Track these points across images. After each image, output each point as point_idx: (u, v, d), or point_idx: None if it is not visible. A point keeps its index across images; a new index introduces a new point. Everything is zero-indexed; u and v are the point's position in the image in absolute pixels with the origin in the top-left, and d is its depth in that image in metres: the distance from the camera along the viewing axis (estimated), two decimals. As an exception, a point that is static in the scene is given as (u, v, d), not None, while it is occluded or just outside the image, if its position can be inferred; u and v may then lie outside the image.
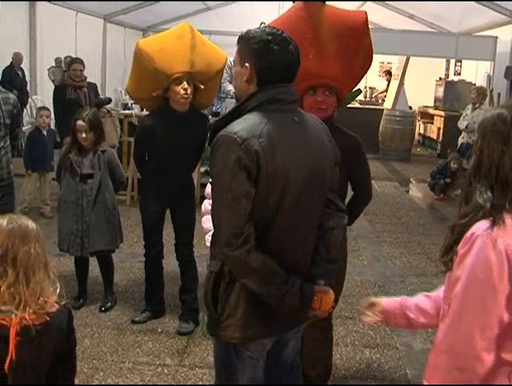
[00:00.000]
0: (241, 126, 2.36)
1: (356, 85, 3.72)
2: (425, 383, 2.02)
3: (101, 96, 8.35)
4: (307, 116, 2.61)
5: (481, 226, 1.93)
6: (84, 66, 8.10)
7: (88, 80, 8.45)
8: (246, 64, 2.48)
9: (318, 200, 2.56)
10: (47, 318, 2.33)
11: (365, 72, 3.73)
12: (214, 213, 2.42)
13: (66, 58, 12.63)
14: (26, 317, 2.27)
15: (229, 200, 2.32)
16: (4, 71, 12.08)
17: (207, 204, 4.50)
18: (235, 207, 2.31)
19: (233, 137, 2.32)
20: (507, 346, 1.90)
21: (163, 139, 4.62)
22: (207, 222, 4.41)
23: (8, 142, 4.69)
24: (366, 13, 3.59)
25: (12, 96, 4.73)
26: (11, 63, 12.25)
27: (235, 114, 2.47)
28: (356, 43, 3.48)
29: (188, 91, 4.45)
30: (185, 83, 4.42)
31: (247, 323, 2.49)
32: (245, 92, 2.51)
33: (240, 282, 2.44)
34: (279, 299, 2.41)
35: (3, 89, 4.80)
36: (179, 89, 4.43)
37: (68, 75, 8.10)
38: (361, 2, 16.98)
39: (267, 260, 2.38)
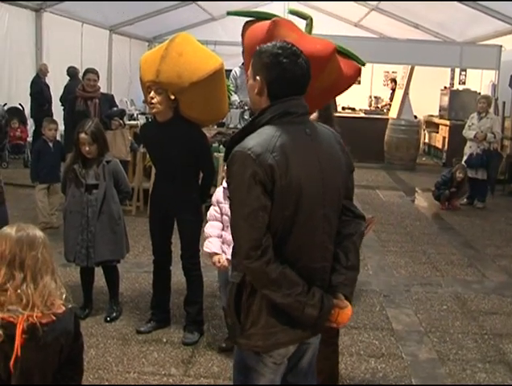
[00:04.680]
0: (255, 141, 2.43)
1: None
2: None
3: (114, 108, 8.27)
4: (319, 127, 2.67)
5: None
6: (98, 76, 8.05)
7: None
8: (257, 77, 2.56)
9: (334, 209, 2.61)
10: (54, 318, 2.41)
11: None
12: (233, 227, 2.48)
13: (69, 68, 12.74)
14: (33, 315, 2.34)
15: (247, 214, 2.39)
16: (33, 82, 12.19)
17: (212, 210, 4.56)
18: (252, 220, 2.38)
19: (247, 152, 2.39)
20: None
21: (152, 148, 4.86)
22: (209, 228, 4.51)
23: None
24: (334, 47, 3.58)
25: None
26: (37, 74, 12.38)
27: (250, 129, 2.54)
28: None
29: (154, 100, 4.46)
30: (153, 92, 4.46)
31: (270, 331, 2.54)
32: (257, 105, 2.59)
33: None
34: (299, 310, 2.46)
35: None
36: (148, 98, 4.50)
37: (81, 85, 8.06)
38: (367, 11, 17.03)
39: (287, 270, 2.43)
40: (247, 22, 3.71)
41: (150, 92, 4.46)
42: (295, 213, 2.44)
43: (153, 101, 4.46)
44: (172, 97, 4.45)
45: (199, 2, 16.72)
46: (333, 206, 2.60)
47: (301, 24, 3.78)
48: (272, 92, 2.54)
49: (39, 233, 2.50)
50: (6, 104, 11.13)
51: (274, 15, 3.59)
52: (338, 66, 3.61)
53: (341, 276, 2.63)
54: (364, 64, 3.95)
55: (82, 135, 4.86)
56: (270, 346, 2.57)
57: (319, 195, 2.50)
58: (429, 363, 4.66)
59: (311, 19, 3.85)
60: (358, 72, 3.85)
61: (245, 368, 2.70)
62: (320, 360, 3.25)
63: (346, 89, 3.98)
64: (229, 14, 4.13)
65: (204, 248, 4.44)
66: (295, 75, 2.52)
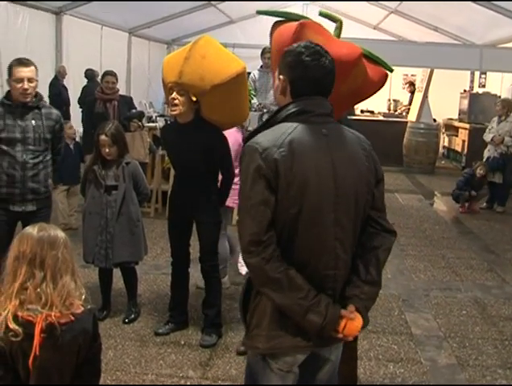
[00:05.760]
0: (266, 137, 2.42)
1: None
2: None
3: (133, 110, 8.31)
4: (342, 130, 2.59)
5: None
6: (116, 78, 8.08)
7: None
8: (280, 76, 2.56)
9: (350, 216, 2.49)
10: (72, 318, 2.43)
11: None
12: (238, 221, 2.46)
13: (87, 71, 12.83)
14: (52, 315, 2.37)
15: (249, 207, 2.37)
16: (51, 84, 12.26)
17: None
18: (253, 214, 2.35)
19: (255, 146, 2.39)
20: None
21: (172, 149, 4.87)
22: None
23: (48, 157, 4.84)
24: (360, 52, 3.56)
25: (55, 112, 4.89)
26: (56, 76, 12.45)
27: (267, 126, 2.52)
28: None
29: (176, 101, 4.48)
30: (175, 93, 4.47)
31: (272, 334, 2.49)
32: (282, 104, 2.56)
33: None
34: (300, 314, 2.40)
35: (47, 104, 4.93)
36: (170, 99, 4.51)
37: (100, 88, 8.11)
38: (386, 13, 16.96)
39: (291, 271, 2.38)
40: (276, 22, 3.68)
41: (172, 93, 4.47)
42: (300, 212, 2.38)
43: (175, 102, 4.47)
44: (194, 99, 4.47)
45: (218, 6, 16.75)
46: (349, 212, 2.48)
47: (330, 27, 3.74)
48: (294, 90, 2.52)
49: (60, 234, 2.53)
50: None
51: (304, 17, 3.56)
52: (364, 71, 3.58)
53: (357, 289, 2.53)
54: (392, 70, 3.91)
55: (102, 137, 4.88)
56: (269, 350, 2.52)
57: (329, 197, 2.42)
58: (448, 369, 4.62)
59: (341, 22, 3.82)
60: (385, 78, 3.81)
61: (253, 373, 2.68)
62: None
63: (372, 95, 3.95)
64: (258, 12, 4.11)
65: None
66: (317, 74, 2.49)
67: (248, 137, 2.53)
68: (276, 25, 3.68)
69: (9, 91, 4.68)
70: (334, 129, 2.54)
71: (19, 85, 4.53)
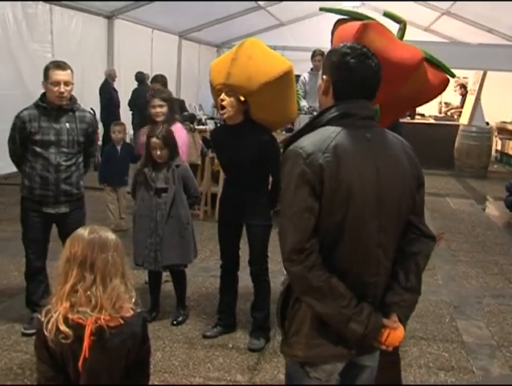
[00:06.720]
0: (309, 141, 2.37)
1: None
2: None
3: (185, 113, 8.40)
4: (385, 134, 2.53)
5: None
6: (165, 84, 8.18)
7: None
8: (324, 76, 2.50)
9: (393, 222, 2.45)
10: (122, 322, 2.45)
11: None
12: (279, 227, 2.41)
13: (137, 74, 12.97)
14: (101, 318, 2.38)
15: (292, 214, 2.32)
16: (102, 88, 12.46)
17: None
18: (297, 221, 2.31)
19: (299, 151, 2.33)
20: None
21: (222, 151, 4.87)
22: None
23: (80, 159, 4.87)
24: (422, 56, 3.48)
25: (88, 115, 4.92)
26: (106, 79, 12.64)
27: (309, 128, 2.47)
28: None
29: (225, 102, 4.47)
30: (223, 94, 4.47)
31: (312, 343, 2.45)
32: (324, 105, 2.52)
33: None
34: (342, 323, 2.35)
35: (82, 107, 4.96)
36: (218, 100, 4.51)
37: (152, 90, 8.20)
38: (438, 15, 16.73)
39: (333, 279, 2.33)
40: (339, 20, 3.64)
41: (220, 95, 4.48)
42: (344, 219, 2.32)
43: (223, 104, 4.48)
44: (242, 99, 4.47)
45: (268, 8, 16.77)
46: (392, 218, 2.44)
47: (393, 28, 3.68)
48: (337, 92, 2.46)
49: (111, 236, 2.54)
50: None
51: (368, 17, 3.52)
52: (424, 75, 3.52)
53: (397, 296, 2.49)
54: (454, 76, 3.83)
55: (154, 139, 4.91)
56: (309, 358, 2.48)
57: (373, 203, 2.36)
58: (502, 379, 4.50)
59: (405, 24, 3.75)
60: (445, 83, 3.73)
61: (292, 382, 2.63)
62: (379, 370, 3.18)
63: (432, 99, 3.88)
64: (321, 9, 4.04)
65: None
66: (361, 77, 2.42)
67: (289, 140, 2.48)
68: (339, 23, 3.63)
69: (44, 93, 4.69)
70: (377, 133, 2.48)
71: (56, 88, 4.55)
